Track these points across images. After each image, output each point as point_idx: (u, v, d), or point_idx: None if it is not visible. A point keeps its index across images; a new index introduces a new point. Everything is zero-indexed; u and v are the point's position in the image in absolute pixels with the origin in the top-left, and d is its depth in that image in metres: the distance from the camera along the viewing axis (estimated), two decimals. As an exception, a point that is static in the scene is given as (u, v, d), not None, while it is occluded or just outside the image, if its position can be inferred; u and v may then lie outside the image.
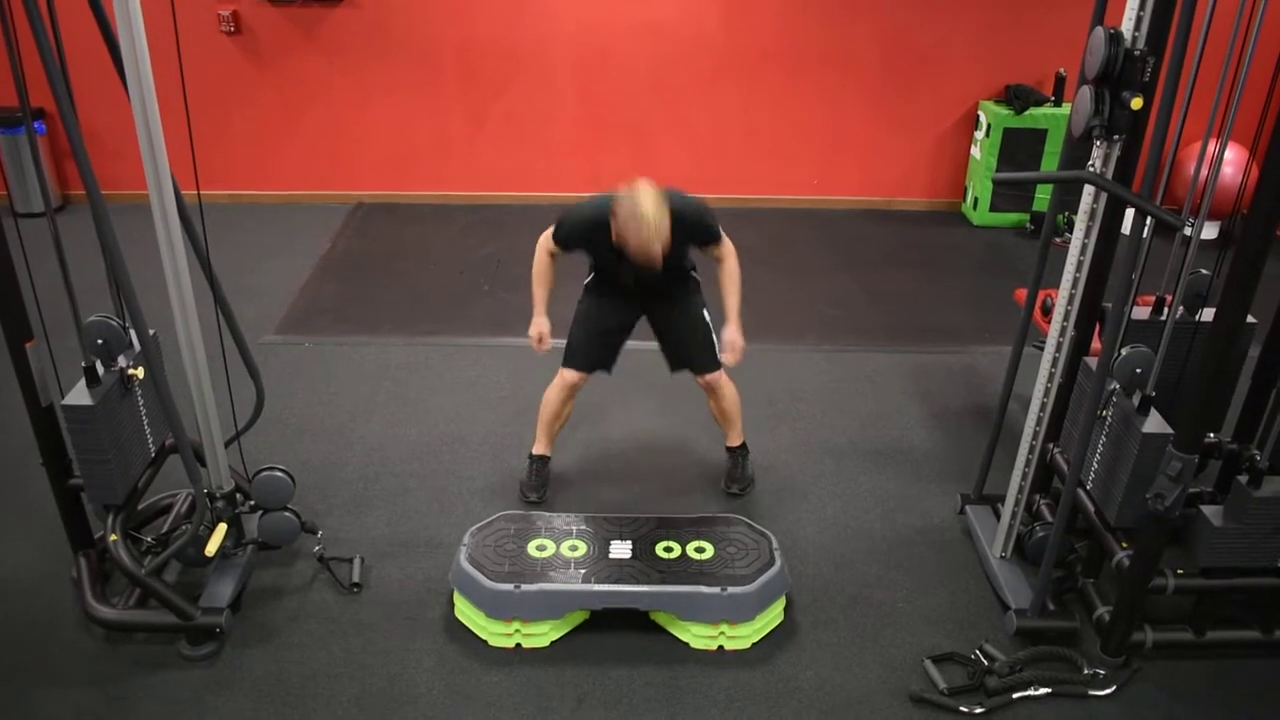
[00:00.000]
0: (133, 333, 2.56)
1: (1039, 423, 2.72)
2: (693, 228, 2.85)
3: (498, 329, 4.55)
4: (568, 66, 5.88)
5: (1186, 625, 2.61)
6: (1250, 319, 2.45)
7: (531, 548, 2.75)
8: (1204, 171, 2.43)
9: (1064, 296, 2.56)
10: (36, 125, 5.73)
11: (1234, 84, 2.15)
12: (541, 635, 2.63)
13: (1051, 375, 2.66)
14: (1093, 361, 2.57)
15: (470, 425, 3.73)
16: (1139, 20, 2.22)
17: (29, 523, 3.06)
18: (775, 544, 2.77)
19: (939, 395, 4.02)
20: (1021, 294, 3.77)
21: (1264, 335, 2.69)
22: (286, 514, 2.78)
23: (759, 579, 2.63)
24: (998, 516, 2.98)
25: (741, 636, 2.63)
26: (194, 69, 2.73)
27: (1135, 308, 2.60)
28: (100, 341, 2.52)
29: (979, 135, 5.98)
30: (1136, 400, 2.45)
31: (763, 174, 6.21)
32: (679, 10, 5.76)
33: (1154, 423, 2.38)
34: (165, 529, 2.87)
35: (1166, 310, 2.59)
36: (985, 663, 2.57)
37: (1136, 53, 2.19)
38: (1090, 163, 2.39)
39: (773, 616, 2.71)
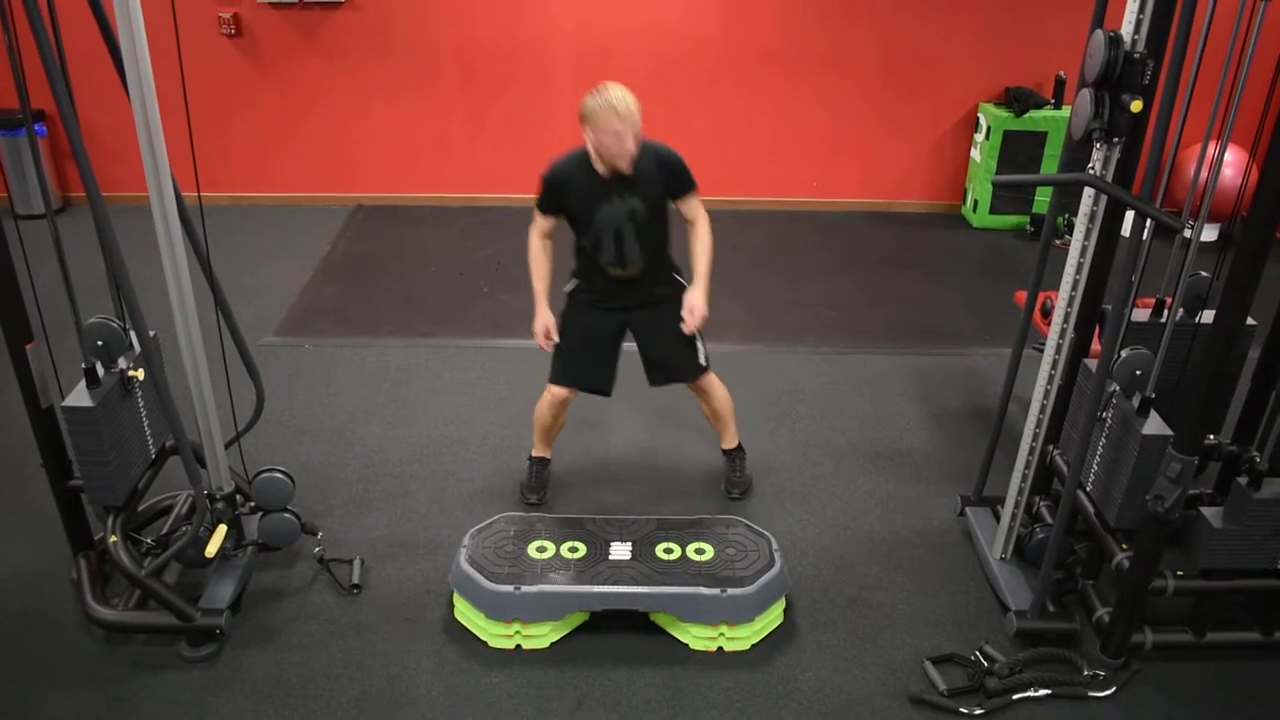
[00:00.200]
0: (133, 334, 2.56)
1: (1039, 424, 2.72)
2: (672, 167, 2.89)
3: (497, 330, 4.56)
4: (568, 68, 5.88)
5: (1186, 627, 2.61)
6: (1250, 321, 2.46)
7: (531, 549, 2.75)
8: (1204, 174, 2.43)
9: (1064, 298, 2.56)
10: (37, 127, 5.73)
11: (1233, 86, 2.15)
12: (541, 636, 2.63)
13: (1051, 377, 2.66)
14: (1092, 363, 2.57)
15: (470, 427, 3.73)
16: (1139, 23, 2.22)
17: (29, 524, 3.06)
18: (775, 545, 2.77)
19: (939, 397, 4.02)
20: (1021, 296, 3.77)
21: (1263, 337, 2.70)
22: (286, 515, 2.78)
23: (758, 580, 2.63)
24: (997, 518, 2.98)
25: (741, 638, 2.63)
26: (195, 71, 2.73)
27: (1135, 310, 2.60)
28: (100, 343, 2.52)
29: (979, 137, 5.98)
30: (1136, 402, 2.45)
31: (762, 176, 6.21)
32: (679, 11, 5.77)
33: (1154, 424, 2.39)
34: (165, 530, 2.87)
35: (1166, 312, 2.59)
36: (985, 664, 2.57)
37: (1136, 55, 2.19)
38: (1090, 165, 2.39)
39: (772, 618, 2.71)
